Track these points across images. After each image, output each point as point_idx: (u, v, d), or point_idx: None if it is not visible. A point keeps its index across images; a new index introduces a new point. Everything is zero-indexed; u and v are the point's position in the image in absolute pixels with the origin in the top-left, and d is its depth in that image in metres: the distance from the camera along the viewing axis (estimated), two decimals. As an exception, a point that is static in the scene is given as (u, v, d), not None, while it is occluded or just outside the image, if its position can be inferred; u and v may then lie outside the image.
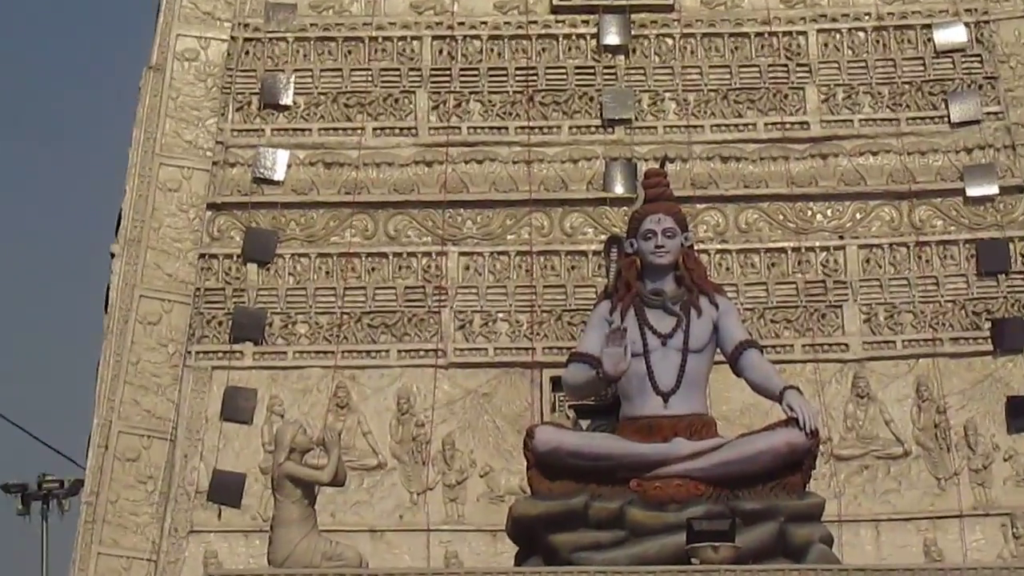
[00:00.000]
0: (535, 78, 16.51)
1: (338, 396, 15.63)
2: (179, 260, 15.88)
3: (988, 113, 16.17)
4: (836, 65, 16.50)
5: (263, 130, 16.29)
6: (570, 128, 16.35)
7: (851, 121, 16.39)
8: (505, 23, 16.62)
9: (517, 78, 16.50)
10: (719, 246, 15.77)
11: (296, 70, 16.44)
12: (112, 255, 15.96)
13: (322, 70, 16.48)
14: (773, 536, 12.38)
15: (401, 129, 16.34)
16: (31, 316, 57.78)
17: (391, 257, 16.05)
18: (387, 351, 15.80)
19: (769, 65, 16.52)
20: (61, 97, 63.28)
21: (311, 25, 16.56)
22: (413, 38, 16.58)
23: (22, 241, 62.42)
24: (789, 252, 16.05)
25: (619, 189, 15.82)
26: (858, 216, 16.13)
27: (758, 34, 16.64)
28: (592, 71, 16.50)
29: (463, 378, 15.73)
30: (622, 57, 16.46)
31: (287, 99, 16.31)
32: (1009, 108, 16.11)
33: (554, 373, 14.80)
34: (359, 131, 16.30)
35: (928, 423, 15.48)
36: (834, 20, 16.66)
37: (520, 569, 12.53)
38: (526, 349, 15.71)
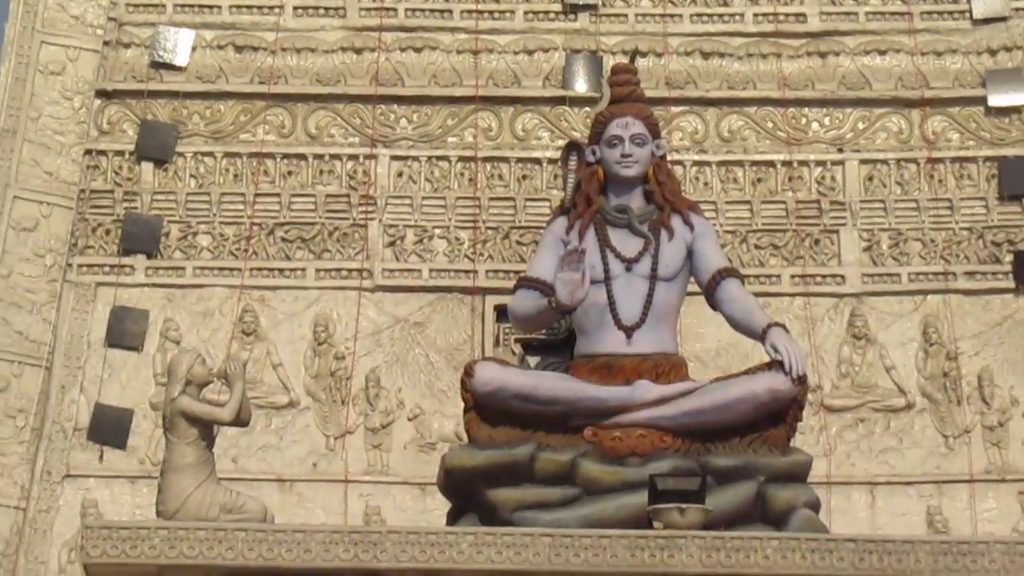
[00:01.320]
0: None
1: (244, 321, 15.56)
2: (61, 156, 15.81)
3: (1017, 8, 16.15)
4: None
5: (164, 6, 16.20)
6: (525, 13, 16.33)
7: (855, 14, 16.37)
8: None
9: None
10: (697, 157, 15.69)
11: None
12: None
13: None
14: (750, 498, 12.25)
15: (327, 9, 16.33)
16: None
17: (311, 159, 16.07)
18: (303, 269, 15.77)
19: None
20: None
21: None
22: None
23: None
24: (779, 166, 16.01)
25: (581, 86, 15.79)
26: (860, 126, 16.16)
27: None
28: None
29: (392, 304, 15.64)
30: None
31: None
32: None
33: (499, 301, 14.68)
34: (277, 9, 16.31)
35: (936, 371, 15.40)
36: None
37: (452, 529, 12.21)
38: (466, 272, 15.64)
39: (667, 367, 12.67)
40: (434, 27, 16.21)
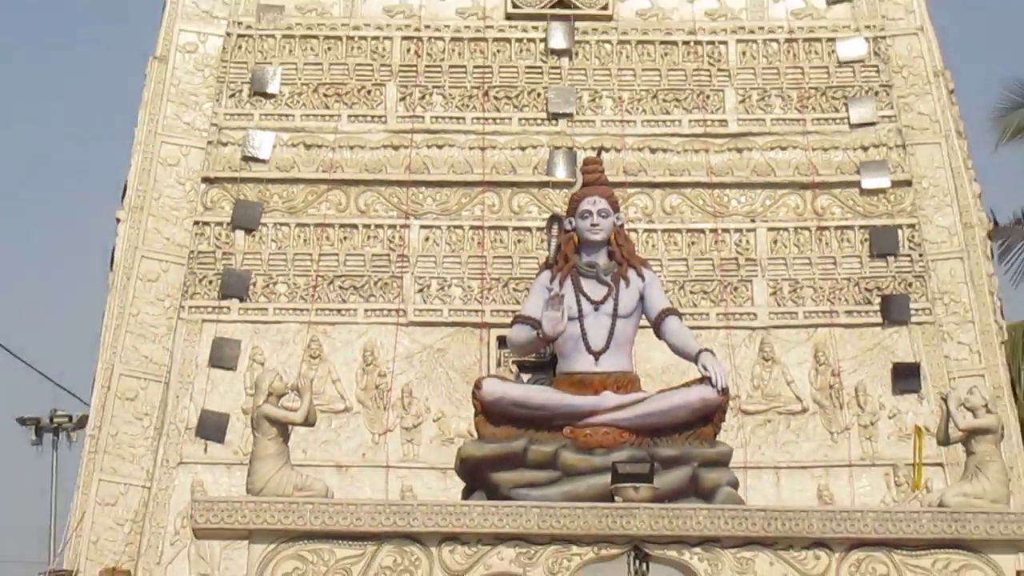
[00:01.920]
0: (490, 75, 16.54)
1: (311, 348, 15.64)
2: (176, 226, 15.88)
3: (883, 116, 16.27)
4: (752, 71, 16.59)
5: (252, 115, 16.29)
6: (519, 120, 16.38)
7: (763, 120, 16.46)
8: (465, 27, 16.66)
9: (474, 75, 16.52)
10: (646, 226, 15.75)
11: (282, 63, 16.46)
12: (118, 220, 15.96)
13: (305, 64, 16.48)
14: (687, 479, 12.39)
15: (372, 117, 16.35)
16: (48, 270, 57.80)
17: (360, 228, 16.03)
18: (355, 310, 15.80)
19: (694, 70, 16.56)
20: (75, 85, 63.91)
21: (296, 24, 16.60)
22: (385, 38, 16.58)
23: (44, 205, 62.88)
24: (707, 232, 16.05)
25: (561, 174, 15.80)
26: (767, 203, 16.19)
27: (685, 42, 16.68)
28: (540, 71, 16.53)
29: (421, 335, 15.72)
30: (566, 59, 16.49)
31: (274, 88, 16.31)
32: (900, 112, 16.24)
33: (500, 332, 14.76)
34: (335, 117, 16.32)
35: (824, 384, 15.56)
36: (751, 32, 16.76)
37: (466, 502, 12.39)
38: (476, 311, 15.72)
39: (625, 382, 12.83)
40: (452, 130, 16.21)
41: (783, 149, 16.28)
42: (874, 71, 16.43)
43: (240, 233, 15.91)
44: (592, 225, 13.15)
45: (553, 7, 16.54)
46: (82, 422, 20.21)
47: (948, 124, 16.30)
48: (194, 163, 16.05)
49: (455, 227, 16.02)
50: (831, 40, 16.60)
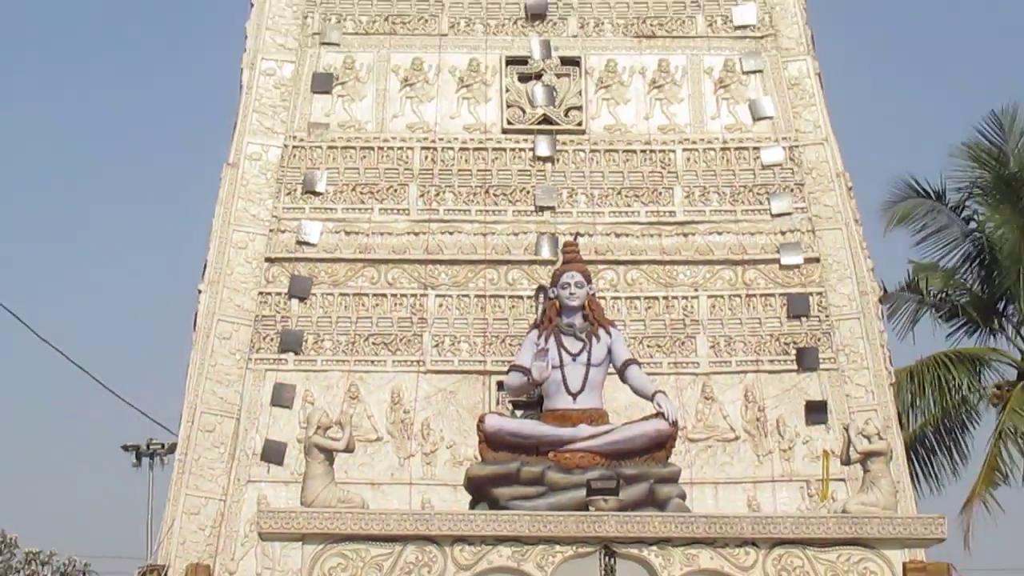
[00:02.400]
0: (490, 177, 16.52)
1: (351, 391, 15.60)
2: (245, 296, 15.91)
3: (797, 208, 16.29)
4: (695, 173, 16.53)
5: (304, 208, 16.25)
6: (513, 212, 16.37)
7: (704, 211, 16.40)
8: (470, 139, 16.65)
9: (477, 176, 16.50)
10: (613, 295, 15.77)
11: (327, 168, 16.39)
12: (199, 291, 16.00)
13: (345, 168, 16.43)
14: (645, 493, 12.48)
15: (398, 210, 16.32)
16: (148, 330, 57.80)
17: (389, 297, 16.01)
18: (385, 361, 15.78)
19: (649, 172, 16.55)
20: (172, 186, 64.16)
21: (338, 138, 16.55)
22: (407, 148, 16.55)
23: (146, 281, 63.06)
24: (660, 299, 16.07)
25: (546, 254, 15.80)
26: (707, 276, 16.13)
27: (642, 151, 16.68)
28: (529, 173, 16.52)
29: (436, 380, 15.72)
30: (550, 164, 16.48)
31: (321, 188, 16.26)
32: (811, 205, 16.26)
33: (499, 378, 14.86)
34: (369, 210, 16.31)
35: (752, 418, 15.59)
36: (694, 143, 16.70)
37: (472, 512, 12.50)
38: (480, 362, 15.73)
39: (596, 416, 12.93)
40: (460, 220, 16.16)
41: (720, 234, 16.27)
42: (790, 173, 16.44)
43: (295, 301, 15.93)
44: (570, 294, 13.31)
45: (539, 124, 16.56)
46: (172, 449, 20.13)
47: (847, 214, 16.31)
48: (259, 247, 16.06)
49: (463, 296, 15.99)
50: (756, 148, 16.57)
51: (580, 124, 16.68)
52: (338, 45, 16.85)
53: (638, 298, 16.02)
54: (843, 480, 14.38)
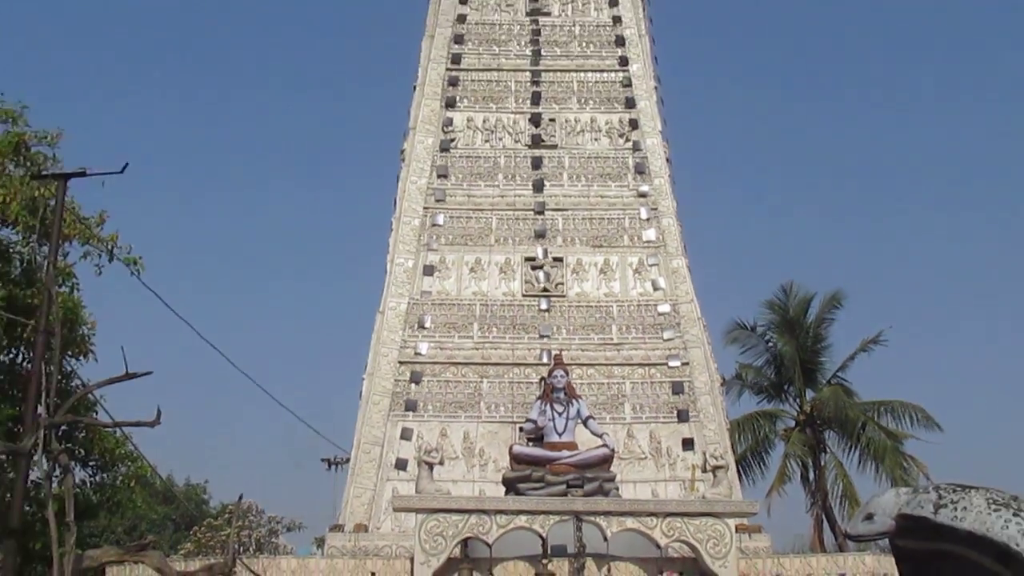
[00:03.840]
0: (516, 319, 16.09)
1: (442, 432, 15.26)
2: (387, 380, 15.64)
3: (676, 336, 15.87)
4: (624, 317, 16.06)
5: (418, 335, 15.89)
6: (528, 338, 15.95)
7: (628, 338, 16.03)
8: (505, 300, 16.25)
9: (509, 319, 16.12)
10: (579, 381, 15.10)
11: (430, 314, 16.04)
12: (363, 379, 15.80)
13: (439, 314, 16.06)
14: (597, 487, 12.29)
15: (467, 336, 15.97)
16: (329, 401, 57.84)
17: (463, 382, 15.73)
18: (460, 416, 15.50)
19: (599, 318, 16.17)
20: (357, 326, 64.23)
21: (436, 299, 16.21)
22: (472, 304, 16.19)
23: (328, 369, 62.99)
24: (605, 384, 15.66)
25: (545, 360, 15.25)
26: (629, 372, 15.75)
27: (595, 307, 16.29)
28: (537, 318, 16.13)
29: (487, 427, 15.37)
30: (547, 313, 16.13)
31: (427, 325, 15.92)
32: (684, 335, 15.87)
33: (520, 425, 14.36)
34: (452, 337, 16.00)
35: (654, 447, 15.19)
36: (622, 302, 16.23)
37: (505, 497, 12.29)
38: (510, 417, 15.35)
39: (572, 446, 12.75)
40: (500, 342, 15.80)
41: (636, 349, 15.81)
42: (673, 318, 15.94)
43: (413, 384, 15.58)
44: (557, 381, 13.21)
45: (541, 292, 16.20)
46: (346, 461, 20.07)
47: (703, 339, 16.04)
48: (394, 355, 15.78)
49: (502, 382, 15.63)
50: (655, 305, 16.11)
51: (563, 292, 16.42)
52: (437, 251, 16.59)
53: (593, 383, 15.66)
54: (703, 481, 13.84)
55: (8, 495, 11.61)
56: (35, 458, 9.60)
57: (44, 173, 13.49)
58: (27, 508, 12.16)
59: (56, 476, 11.10)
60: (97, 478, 15.29)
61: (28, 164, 14.31)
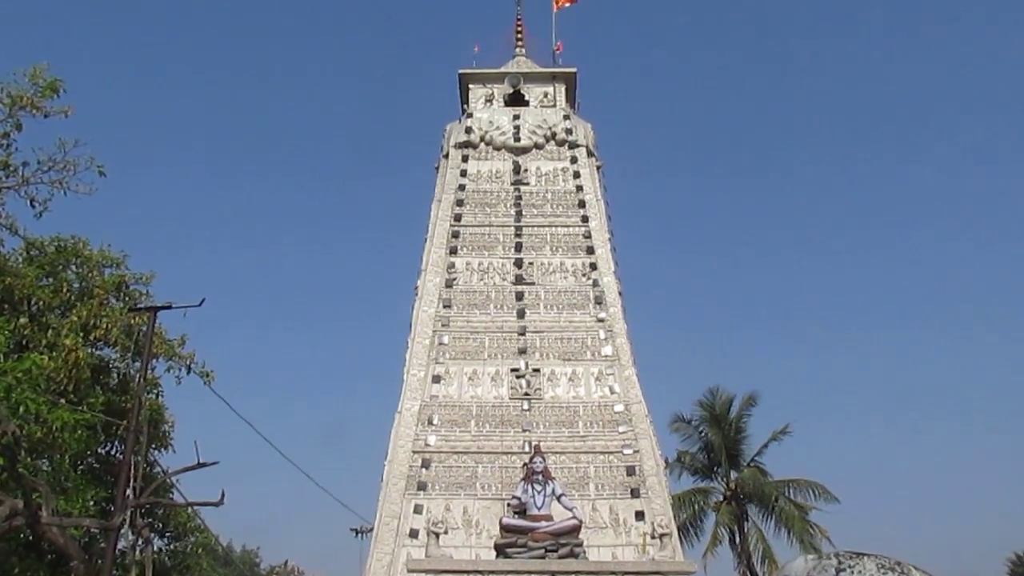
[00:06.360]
0: (504, 417, 16.02)
1: (446, 507, 15.11)
2: (404, 466, 15.59)
3: (629, 430, 15.80)
4: (588, 415, 16.02)
5: (428, 431, 15.81)
6: (513, 432, 15.91)
7: (591, 431, 15.93)
8: (496, 402, 16.21)
9: (498, 418, 15.99)
10: (554, 465, 14.98)
11: (436, 413, 15.99)
12: (384, 465, 15.74)
13: (444, 414, 16.04)
14: (569, 551, 12.34)
15: (467, 432, 15.94)
16: (356, 485, 55.99)
17: (463, 467, 15.55)
18: (461, 495, 15.33)
19: (567, 416, 16.16)
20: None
21: (442, 402, 16.19)
22: (470, 406, 16.19)
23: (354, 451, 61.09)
24: (573, 468, 15.53)
25: (527, 449, 15.22)
26: (592, 459, 15.61)
27: (565, 407, 16.21)
28: (520, 415, 16.13)
29: (483, 504, 15.24)
30: (528, 411, 16.06)
31: (435, 422, 15.86)
32: (635, 428, 15.86)
33: (508, 502, 14.09)
34: (454, 432, 15.94)
35: (613, 518, 15.04)
36: (587, 403, 16.08)
37: (495, 560, 12.29)
38: (499, 495, 15.23)
39: (548, 518, 12.77)
40: (492, 437, 15.70)
41: (596, 439, 15.55)
42: (626, 415, 15.98)
43: (423, 469, 15.46)
44: (536, 465, 13.25)
45: (523, 396, 16.04)
46: (370, 530, 19.73)
47: (649, 431, 16.06)
48: (409, 445, 15.76)
49: (495, 467, 15.42)
50: (612, 406, 16.00)
51: (540, 396, 16.30)
52: (442, 364, 16.77)
53: (565, 467, 15.56)
54: (652, 546, 13.71)
55: (99, 561, 11.77)
56: (122, 531, 10.01)
57: (139, 307, 13.74)
58: (115, 573, 12.27)
59: (139, 546, 11.41)
60: (171, 547, 15.40)
61: (127, 299, 14.89)
